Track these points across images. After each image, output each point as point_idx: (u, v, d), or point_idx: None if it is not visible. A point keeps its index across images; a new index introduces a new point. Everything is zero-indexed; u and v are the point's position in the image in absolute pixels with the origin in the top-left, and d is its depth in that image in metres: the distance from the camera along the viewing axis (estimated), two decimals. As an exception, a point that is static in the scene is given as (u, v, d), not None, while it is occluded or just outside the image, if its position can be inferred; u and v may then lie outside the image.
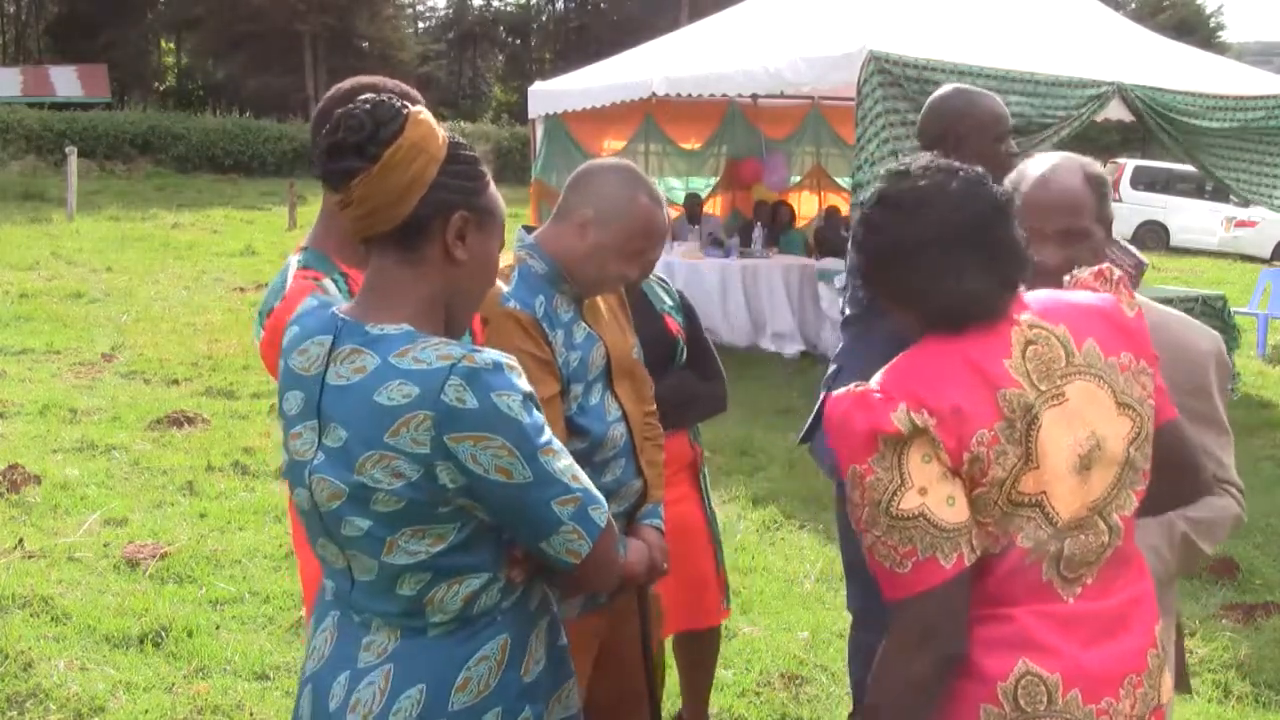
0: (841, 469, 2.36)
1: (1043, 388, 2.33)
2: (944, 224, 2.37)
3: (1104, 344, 2.43)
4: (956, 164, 2.44)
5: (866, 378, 4.43)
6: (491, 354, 2.25)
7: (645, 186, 3.42)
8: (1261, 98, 11.83)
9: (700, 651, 4.71)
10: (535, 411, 2.28)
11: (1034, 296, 2.48)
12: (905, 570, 2.30)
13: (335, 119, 2.31)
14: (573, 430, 3.35)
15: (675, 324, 4.34)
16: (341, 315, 2.36)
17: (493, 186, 2.42)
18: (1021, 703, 2.33)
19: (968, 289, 2.36)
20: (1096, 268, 2.61)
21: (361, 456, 2.24)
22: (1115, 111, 11.35)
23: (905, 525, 2.28)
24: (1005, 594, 2.36)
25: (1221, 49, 52.07)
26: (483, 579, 2.35)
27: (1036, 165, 3.07)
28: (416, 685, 2.35)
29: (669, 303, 4.39)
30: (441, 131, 2.34)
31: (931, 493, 2.27)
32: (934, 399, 2.29)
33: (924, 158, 2.48)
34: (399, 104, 2.31)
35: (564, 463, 2.30)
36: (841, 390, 2.38)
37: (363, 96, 2.35)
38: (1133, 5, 53.68)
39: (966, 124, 4.28)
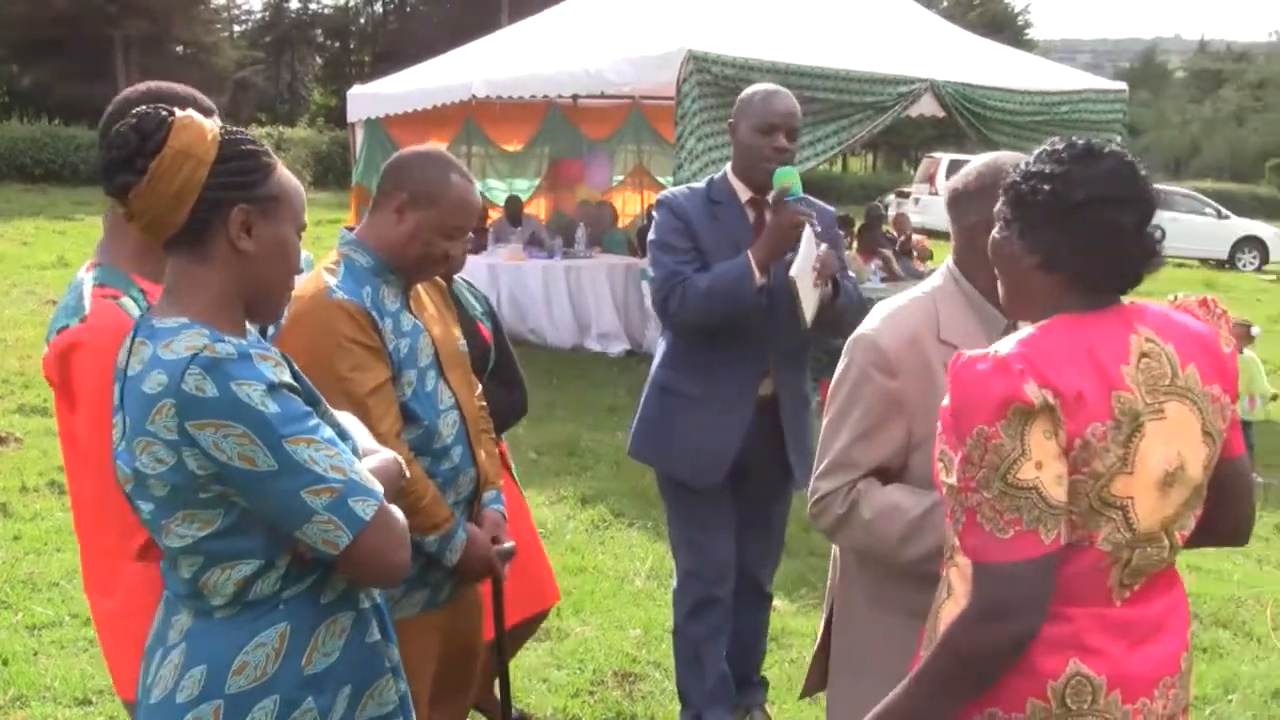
0: (959, 426, 2.38)
1: (1148, 400, 2.39)
2: (1114, 179, 2.42)
3: (1202, 372, 2.48)
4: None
5: (661, 361, 4.45)
6: (240, 344, 2.32)
7: (456, 166, 3.56)
8: (1066, 92, 12.20)
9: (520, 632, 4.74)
10: (290, 402, 2.32)
11: (1151, 310, 2.53)
12: (1006, 536, 2.33)
13: (109, 136, 2.40)
14: (407, 417, 3.43)
15: (486, 331, 4.44)
16: (146, 312, 2.46)
17: (280, 173, 2.48)
18: (1069, 702, 2.39)
19: (1127, 251, 2.42)
20: (1203, 296, 2.69)
21: (134, 442, 2.33)
22: (929, 107, 11.60)
23: (1017, 494, 2.32)
24: (1071, 592, 2.40)
25: (1029, 46, 53.63)
26: (254, 565, 2.40)
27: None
28: (199, 665, 2.42)
29: (479, 309, 4.48)
30: (213, 131, 2.39)
31: (1046, 469, 2.32)
32: (1060, 380, 2.33)
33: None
34: (163, 113, 2.37)
35: (324, 453, 2.32)
36: (978, 351, 2.40)
37: (134, 110, 2.41)
38: (945, 4, 54.90)
39: (741, 114, 4.48)
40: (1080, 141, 2.48)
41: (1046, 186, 2.44)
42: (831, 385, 3.14)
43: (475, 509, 3.69)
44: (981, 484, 2.35)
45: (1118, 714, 2.41)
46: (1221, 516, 2.63)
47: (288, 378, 2.36)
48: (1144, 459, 2.37)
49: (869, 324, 3.10)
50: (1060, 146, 2.48)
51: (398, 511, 2.43)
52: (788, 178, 4.34)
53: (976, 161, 3.10)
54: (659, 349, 4.77)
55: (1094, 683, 2.39)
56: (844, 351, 3.12)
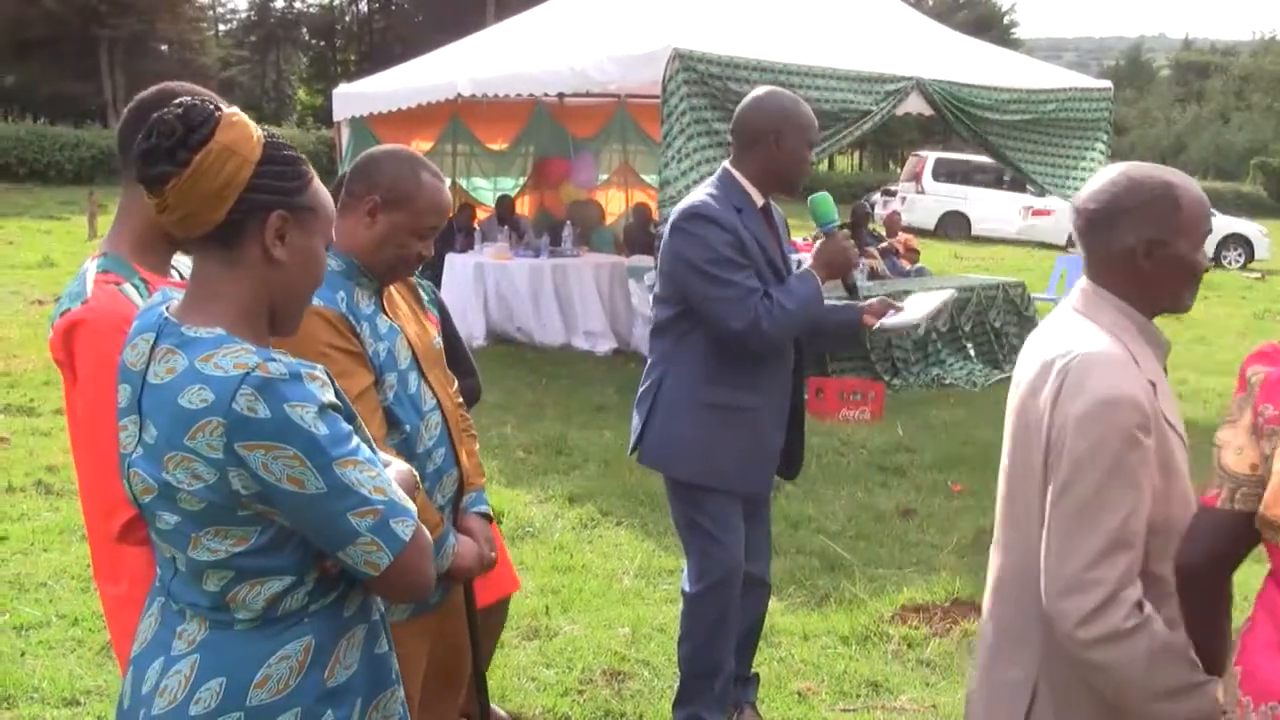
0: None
1: None
2: None
3: None
4: None
5: (694, 378, 4.38)
6: (290, 363, 2.25)
7: (426, 165, 3.53)
8: (1052, 90, 12.23)
9: (491, 622, 4.73)
10: (337, 422, 2.28)
11: None
12: (1209, 477, 2.51)
13: (150, 123, 2.29)
14: (391, 422, 3.40)
15: (435, 319, 4.43)
16: (166, 314, 2.37)
17: (316, 184, 2.41)
18: None
19: None
20: None
21: (166, 455, 2.26)
22: (916, 105, 11.63)
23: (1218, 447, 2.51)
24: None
25: (1015, 45, 53.95)
26: (286, 582, 2.36)
27: (1178, 176, 2.80)
28: (217, 678, 2.37)
29: (427, 297, 4.47)
30: (257, 132, 2.33)
31: (1233, 436, 2.47)
32: (1273, 366, 2.45)
33: None
34: (212, 107, 2.29)
35: (367, 474, 2.29)
36: None
37: (177, 100, 2.33)
38: (931, 3, 55.06)
39: (790, 125, 4.43)
40: None
41: None
42: (1072, 462, 2.67)
43: (457, 510, 3.68)
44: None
45: (1235, 696, 2.44)
46: None
47: (333, 397, 2.32)
48: None
49: (1107, 383, 2.66)
50: None
51: (424, 527, 2.42)
52: (833, 209, 4.50)
53: (1105, 179, 2.82)
54: (671, 363, 4.61)
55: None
56: (1089, 421, 2.66)
